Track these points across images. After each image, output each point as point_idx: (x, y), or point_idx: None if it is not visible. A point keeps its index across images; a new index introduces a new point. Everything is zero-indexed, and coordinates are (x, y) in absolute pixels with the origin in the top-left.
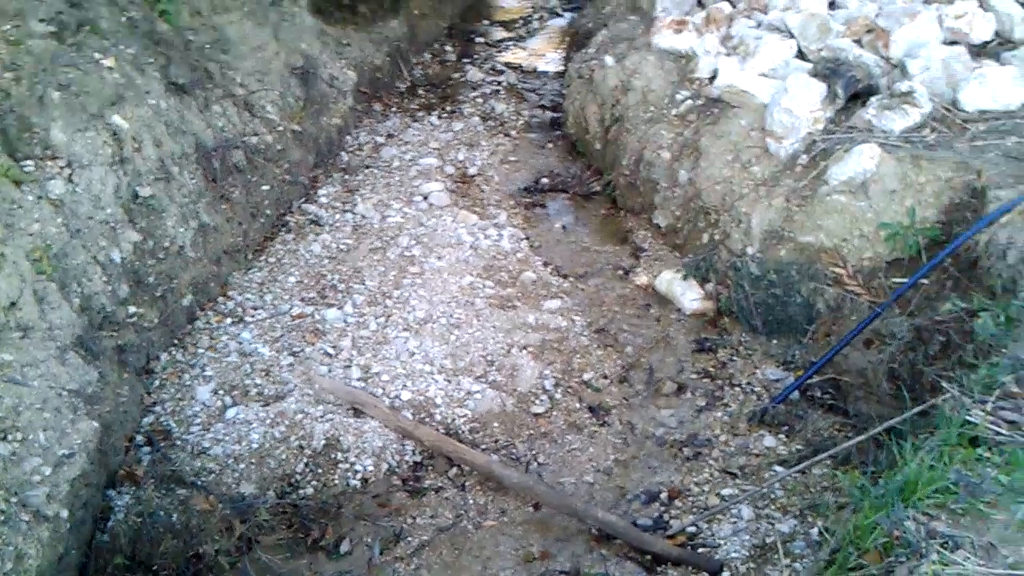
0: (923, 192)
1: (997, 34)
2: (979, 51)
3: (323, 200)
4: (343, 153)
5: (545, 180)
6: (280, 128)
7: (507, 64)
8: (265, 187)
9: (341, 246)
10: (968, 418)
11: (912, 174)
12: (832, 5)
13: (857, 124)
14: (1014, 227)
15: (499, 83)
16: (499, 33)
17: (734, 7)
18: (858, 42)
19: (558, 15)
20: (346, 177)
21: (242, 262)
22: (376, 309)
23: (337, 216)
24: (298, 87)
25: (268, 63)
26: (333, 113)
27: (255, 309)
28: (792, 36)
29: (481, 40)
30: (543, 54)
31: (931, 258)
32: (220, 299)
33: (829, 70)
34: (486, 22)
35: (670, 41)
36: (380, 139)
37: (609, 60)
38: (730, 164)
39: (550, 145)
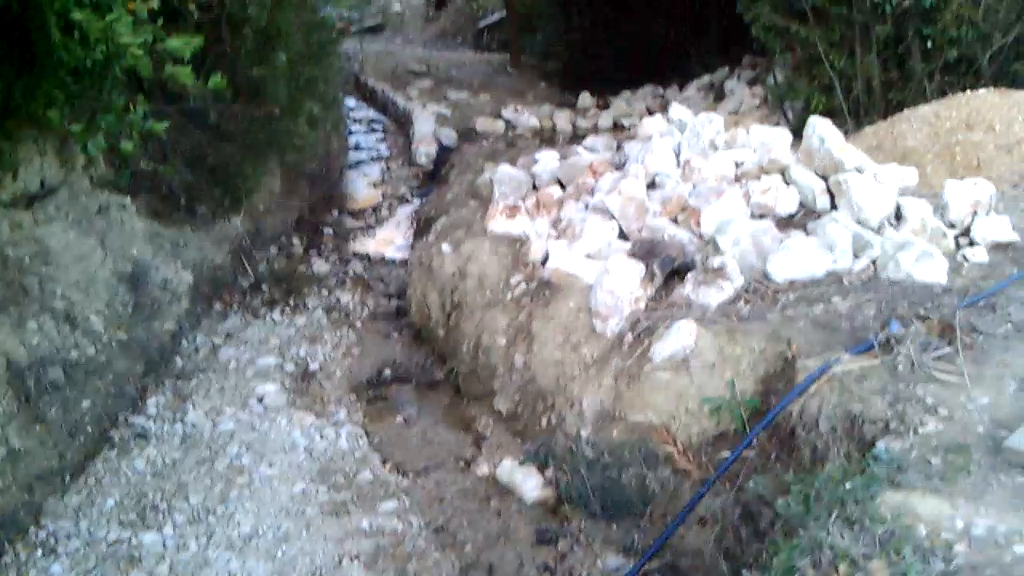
0: (740, 364)
1: (802, 205)
2: (787, 223)
3: (152, 411)
4: (178, 358)
5: (388, 371)
6: (105, 339)
7: (354, 254)
8: (86, 403)
9: (167, 460)
10: None
11: (728, 347)
12: (652, 186)
13: (677, 300)
14: (822, 396)
15: (345, 273)
16: (349, 222)
17: (564, 190)
18: (675, 220)
19: (408, 201)
20: (179, 384)
21: (58, 486)
22: (198, 528)
23: (166, 427)
24: (127, 294)
25: (94, 272)
26: (166, 318)
27: (68, 538)
28: (614, 218)
29: (330, 231)
30: (391, 241)
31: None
32: (31, 529)
33: (645, 250)
34: (335, 212)
35: (504, 226)
36: (218, 340)
37: (446, 247)
38: (561, 346)
39: (395, 334)
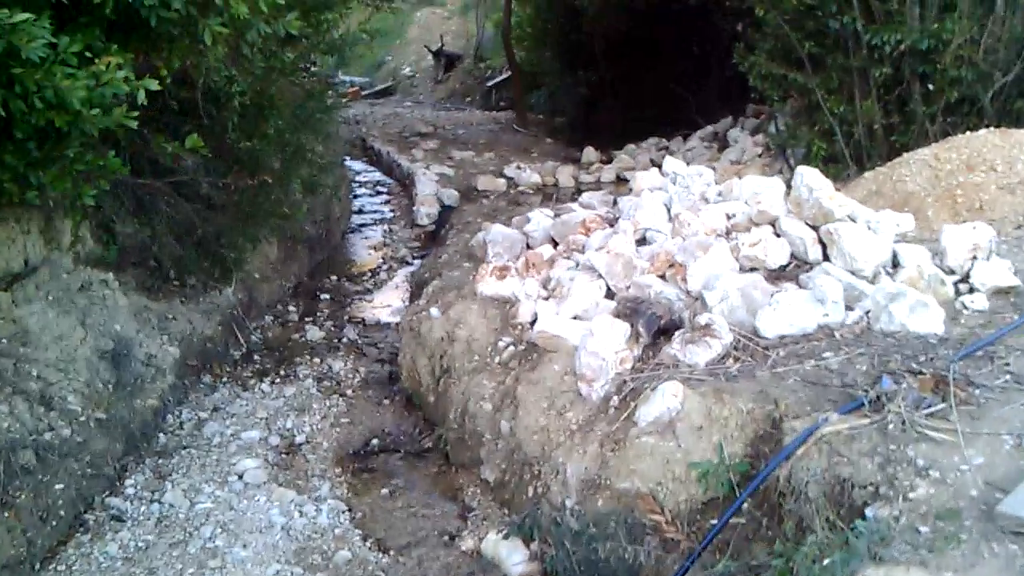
0: (728, 426)
1: (793, 257)
2: (778, 275)
3: (130, 491)
4: (161, 435)
5: (376, 441)
6: (82, 418)
7: (350, 319)
8: (59, 486)
9: (140, 543)
10: None
11: (716, 408)
12: (643, 241)
13: (664, 360)
14: (810, 459)
15: (340, 340)
16: (347, 287)
17: (556, 249)
18: (663, 277)
19: (408, 263)
20: (160, 462)
21: (27, 575)
22: None
23: (142, 508)
24: (108, 371)
25: (73, 350)
26: (149, 394)
27: None
28: (602, 276)
29: (327, 296)
30: (388, 305)
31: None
32: None
33: (630, 309)
34: (335, 277)
35: (494, 288)
36: (204, 414)
37: (435, 311)
38: (546, 412)
39: (386, 401)
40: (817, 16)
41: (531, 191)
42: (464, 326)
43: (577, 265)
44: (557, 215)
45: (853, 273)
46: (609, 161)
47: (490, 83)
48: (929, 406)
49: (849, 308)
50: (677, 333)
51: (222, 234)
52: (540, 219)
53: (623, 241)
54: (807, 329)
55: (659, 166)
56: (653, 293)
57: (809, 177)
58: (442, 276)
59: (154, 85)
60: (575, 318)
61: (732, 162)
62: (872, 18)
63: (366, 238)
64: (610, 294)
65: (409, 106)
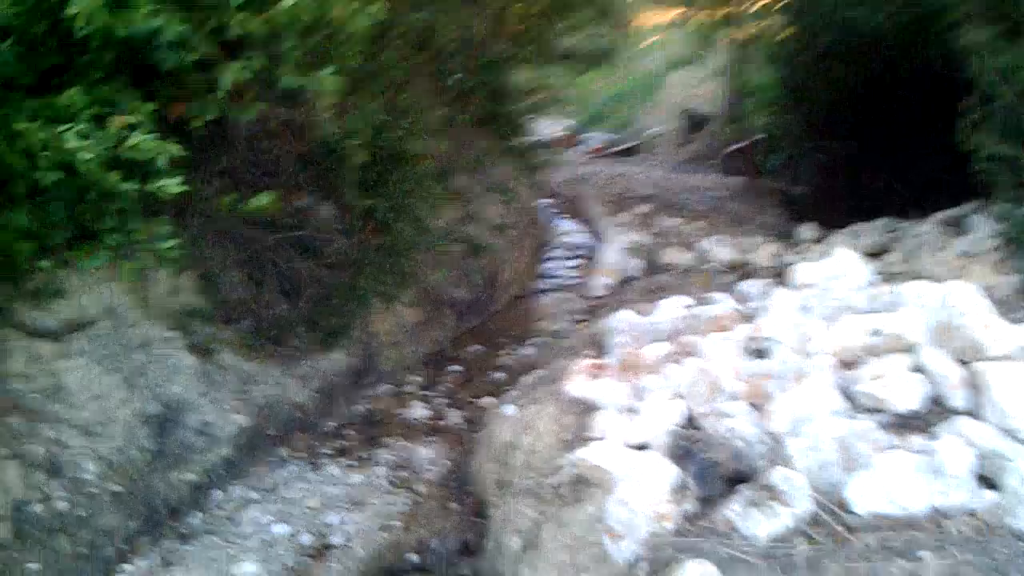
0: None
1: (936, 400)
2: (906, 423)
3: None
4: (200, 513)
5: (416, 557)
6: (93, 490)
7: (464, 398)
8: (33, 565)
9: None
10: None
11: None
12: (761, 354)
13: (719, 524)
14: None
15: (442, 420)
16: (485, 359)
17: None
18: (755, 406)
19: (560, 338)
20: (176, 547)
21: None
22: None
23: None
24: (149, 438)
25: (113, 412)
26: (191, 466)
27: None
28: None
29: (458, 369)
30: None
31: None
32: None
33: (683, 450)
34: (478, 347)
35: (584, 389)
36: (256, 495)
37: (509, 409)
38: (564, 566)
39: (455, 505)
40: None
41: (721, 268)
42: (531, 433)
43: None
44: (696, 304)
45: (1008, 433)
46: (820, 241)
47: (731, 147)
48: None
49: (989, 484)
50: (743, 487)
51: (334, 295)
52: (671, 308)
53: (723, 352)
54: (913, 511)
55: (882, 253)
56: (725, 428)
57: (958, 296)
58: (553, 363)
59: (175, 150)
60: (640, 447)
61: (959, 254)
62: None
63: (537, 306)
64: (689, 421)
65: (645, 167)
